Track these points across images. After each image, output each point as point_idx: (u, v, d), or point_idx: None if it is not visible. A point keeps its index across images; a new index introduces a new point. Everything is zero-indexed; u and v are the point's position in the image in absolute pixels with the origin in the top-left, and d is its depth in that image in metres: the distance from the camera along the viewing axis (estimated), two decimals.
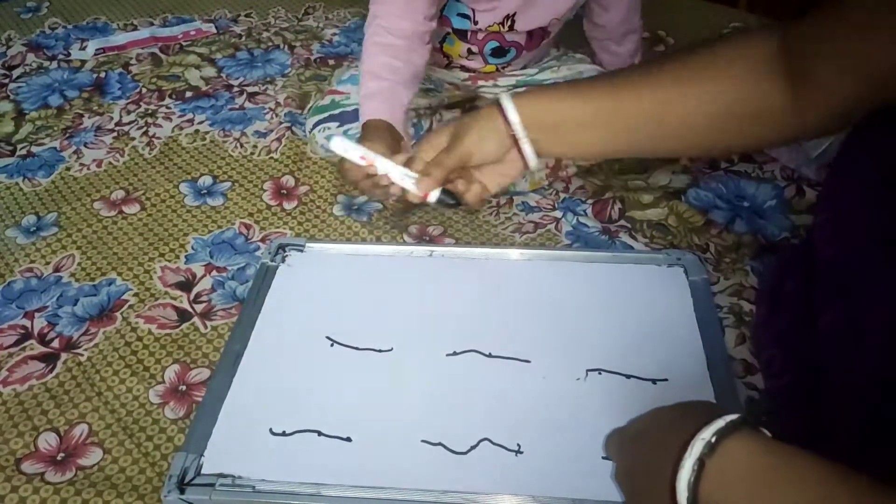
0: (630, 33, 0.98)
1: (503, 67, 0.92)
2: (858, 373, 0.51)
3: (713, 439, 0.37)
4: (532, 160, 0.63)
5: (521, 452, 0.61)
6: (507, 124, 0.61)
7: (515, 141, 0.61)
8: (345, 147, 0.69)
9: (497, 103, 0.61)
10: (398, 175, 0.68)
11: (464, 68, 0.91)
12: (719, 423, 0.38)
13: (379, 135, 0.76)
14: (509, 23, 0.85)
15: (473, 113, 0.65)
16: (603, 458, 0.58)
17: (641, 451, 0.45)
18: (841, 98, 0.49)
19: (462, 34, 0.89)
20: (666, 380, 0.66)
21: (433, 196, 0.67)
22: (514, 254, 0.80)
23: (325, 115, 0.96)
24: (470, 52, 0.87)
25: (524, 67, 0.96)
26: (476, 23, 0.85)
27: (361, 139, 0.77)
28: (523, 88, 0.67)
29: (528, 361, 0.68)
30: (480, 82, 0.96)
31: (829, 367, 0.55)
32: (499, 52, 0.89)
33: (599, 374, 0.66)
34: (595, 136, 0.60)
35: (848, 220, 0.56)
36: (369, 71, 0.81)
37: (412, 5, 0.80)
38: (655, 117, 0.57)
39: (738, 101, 0.54)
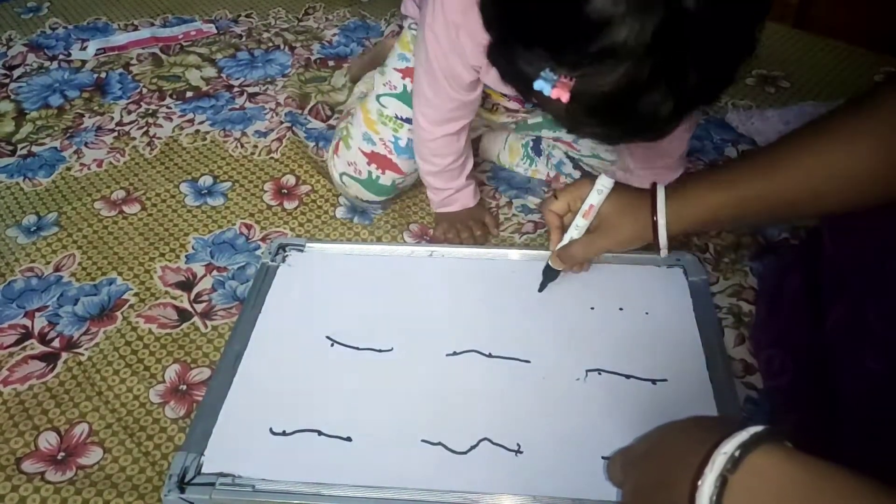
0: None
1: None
2: (863, 371, 0.51)
3: (736, 453, 0.35)
4: (664, 251, 0.65)
5: (521, 452, 0.61)
6: (654, 221, 0.63)
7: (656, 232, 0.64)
8: (602, 188, 0.66)
9: (651, 199, 0.63)
10: (574, 227, 0.68)
11: (507, 110, 0.88)
12: (743, 436, 0.36)
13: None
14: None
15: (623, 201, 0.65)
16: (603, 457, 0.58)
17: (653, 468, 0.43)
18: None
19: None
20: (665, 380, 0.66)
21: (559, 266, 0.72)
22: (514, 254, 0.80)
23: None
24: (508, 98, 0.84)
25: None
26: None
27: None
28: (673, 180, 0.67)
29: (528, 361, 0.68)
30: (527, 118, 0.90)
31: (834, 365, 0.55)
32: None
33: (599, 374, 0.67)
34: (734, 221, 0.66)
35: (852, 219, 0.56)
36: (429, 172, 0.85)
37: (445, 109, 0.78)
38: (811, 193, 0.57)
39: (882, 164, 0.52)
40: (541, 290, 0.74)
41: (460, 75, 0.73)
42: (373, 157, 0.87)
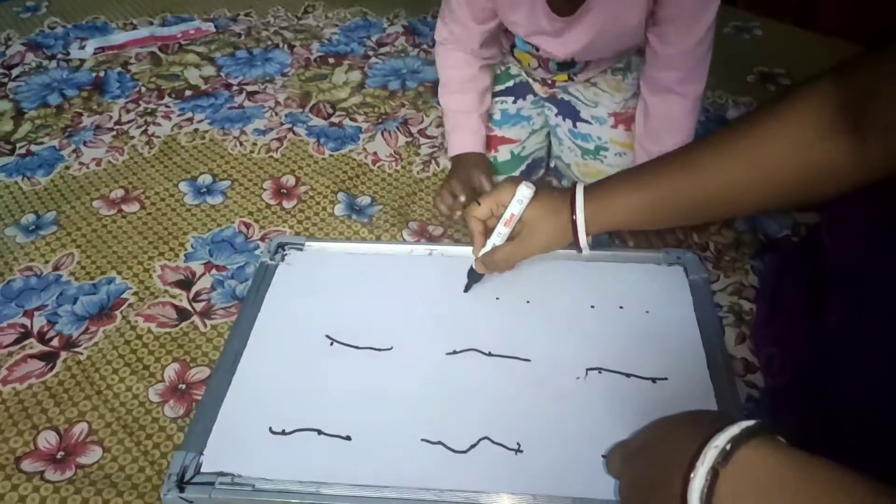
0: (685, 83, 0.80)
1: (574, 76, 0.88)
2: (862, 370, 0.51)
3: (727, 447, 0.36)
4: (586, 251, 0.68)
5: (521, 451, 0.60)
6: (573, 220, 0.65)
7: (576, 233, 0.66)
8: (522, 199, 0.67)
9: (571, 200, 0.65)
10: (496, 234, 0.69)
11: (542, 81, 0.90)
12: (734, 430, 0.36)
13: (480, 169, 0.84)
14: (570, 59, 0.82)
15: (544, 206, 0.67)
16: (603, 457, 0.58)
17: (648, 462, 0.43)
18: None
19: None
20: (666, 379, 0.66)
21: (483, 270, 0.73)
22: None
23: (502, 87, 0.92)
24: (539, 62, 0.86)
25: (603, 71, 0.89)
26: (538, 51, 0.83)
27: (455, 170, 0.87)
28: (591, 181, 0.69)
29: (527, 360, 0.68)
30: (557, 87, 0.91)
31: (834, 364, 0.55)
32: (565, 66, 0.85)
33: (599, 373, 0.66)
34: (656, 221, 0.66)
35: (851, 217, 0.56)
36: (447, 107, 0.89)
37: (467, 34, 0.83)
38: (721, 197, 0.58)
39: (799, 161, 0.53)
40: (466, 290, 0.75)
41: None
42: None
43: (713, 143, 0.59)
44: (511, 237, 0.70)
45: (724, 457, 0.35)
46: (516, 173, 0.92)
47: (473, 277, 0.74)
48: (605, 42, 0.78)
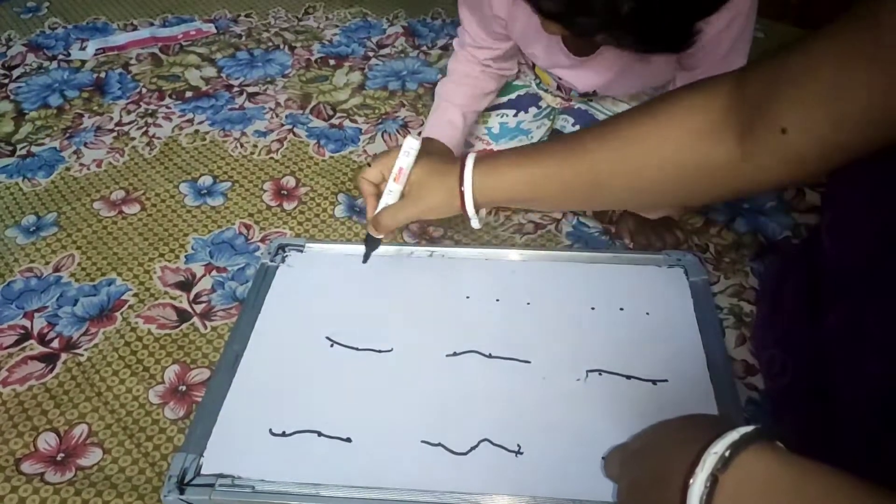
0: None
1: (591, 100, 0.88)
2: (863, 373, 0.51)
3: (727, 453, 0.36)
4: (475, 225, 0.67)
5: (521, 453, 0.60)
6: (461, 189, 0.63)
7: (463, 202, 0.64)
8: (409, 150, 0.67)
9: (461, 170, 0.64)
10: (387, 192, 0.68)
11: (560, 98, 0.89)
12: (733, 436, 0.36)
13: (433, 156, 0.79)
14: (592, 91, 0.82)
15: (433, 166, 0.66)
16: (603, 458, 0.58)
17: (646, 466, 0.43)
18: (809, 140, 0.45)
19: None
20: (666, 380, 0.66)
21: (377, 234, 0.72)
22: (514, 254, 0.80)
23: (504, 99, 0.91)
24: (559, 86, 0.85)
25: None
26: (560, 78, 0.82)
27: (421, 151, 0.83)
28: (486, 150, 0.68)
29: (528, 362, 0.68)
30: (574, 103, 0.91)
31: (834, 367, 0.55)
32: (586, 95, 0.85)
33: (599, 374, 0.66)
34: (539, 200, 0.64)
35: (852, 220, 0.55)
36: (437, 93, 0.86)
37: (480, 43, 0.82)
38: (600, 182, 0.58)
39: (681, 160, 0.53)
40: (364, 261, 0.75)
41: (487, 18, 0.77)
42: None
43: (601, 128, 0.59)
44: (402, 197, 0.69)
45: (724, 463, 0.35)
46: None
47: (371, 244, 0.73)
48: (627, 80, 0.78)
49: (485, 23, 0.79)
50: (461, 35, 0.84)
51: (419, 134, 0.87)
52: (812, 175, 0.48)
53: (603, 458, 0.57)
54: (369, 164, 0.69)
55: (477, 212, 0.65)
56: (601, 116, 0.87)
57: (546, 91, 0.90)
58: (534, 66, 0.86)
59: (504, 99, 0.90)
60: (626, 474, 0.46)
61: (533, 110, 0.90)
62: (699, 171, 0.52)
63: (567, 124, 0.91)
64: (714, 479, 0.35)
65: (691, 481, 0.36)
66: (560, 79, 0.82)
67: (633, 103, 0.86)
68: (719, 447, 0.36)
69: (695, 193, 0.57)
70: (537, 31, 0.68)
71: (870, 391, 0.50)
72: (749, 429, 0.37)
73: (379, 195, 0.69)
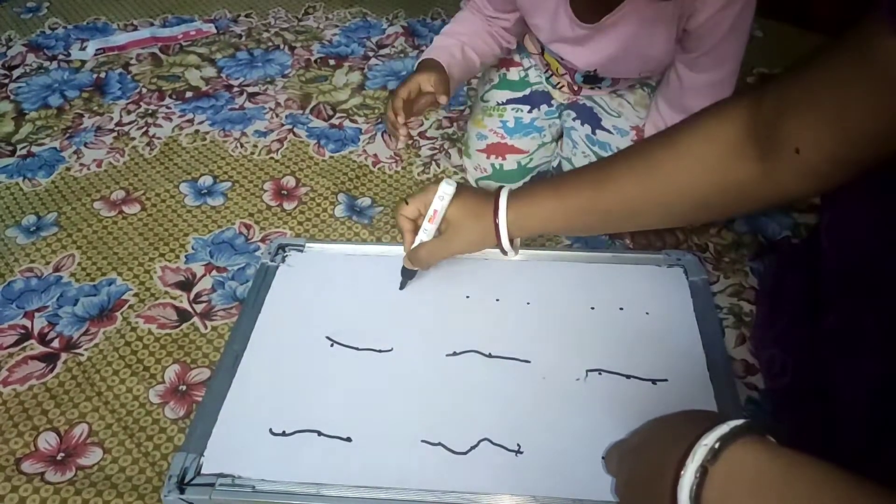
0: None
1: (598, 89, 0.87)
2: (862, 373, 0.51)
3: (716, 445, 0.36)
4: (511, 257, 0.69)
5: (521, 452, 0.61)
6: (496, 223, 0.66)
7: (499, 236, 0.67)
8: (444, 194, 0.68)
9: (495, 204, 0.66)
10: (423, 231, 0.71)
11: (567, 88, 0.89)
12: (723, 429, 0.37)
13: (429, 73, 0.79)
14: (594, 71, 0.82)
15: (469, 208, 0.68)
16: (603, 458, 0.58)
17: (641, 461, 0.44)
18: (821, 158, 0.48)
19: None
20: (666, 380, 0.66)
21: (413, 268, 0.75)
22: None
23: (518, 94, 0.91)
24: (566, 69, 0.85)
25: (632, 85, 0.88)
26: (562, 59, 0.83)
27: (415, 71, 0.82)
28: (519, 185, 0.71)
29: (528, 361, 0.68)
30: (581, 94, 0.90)
31: (834, 367, 0.55)
32: (590, 79, 0.85)
33: (599, 374, 0.66)
34: (574, 229, 0.70)
35: (851, 220, 0.56)
36: (445, 29, 0.87)
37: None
38: (633, 210, 0.61)
39: (706, 182, 0.55)
40: (402, 287, 0.77)
41: None
42: (490, 150, 0.91)
43: (628, 158, 0.62)
44: (438, 233, 0.71)
45: (713, 455, 0.36)
46: (520, 184, 0.90)
47: (407, 275, 0.76)
48: (628, 60, 0.78)
49: None
50: (466, 2, 0.86)
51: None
52: (832, 186, 0.51)
53: (603, 457, 0.57)
54: (406, 202, 0.71)
55: (511, 243, 0.67)
56: (603, 114, 0.88)
57: (555, 87, 0.91)
58: (542, 52, 0.87)
59: (519, 94, 0.91)
60: (624, 469, 0.47)
61: (544, 108, 0.91)
62: (725, 192, 0.55)
63: (569, 119, 0.91)
64: (704, 471, 0.36)
65: (682, 473, 0.37)
66: (562, 59, 0.83)
67: (630, 99, 0.87)
68: (709, 440, 0.37)
69: (722, 211, 0.60)
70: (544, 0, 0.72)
71: (869, 391, 0.50)
72: (739, 422, 0.37)
73: (415, 230, 0.72)
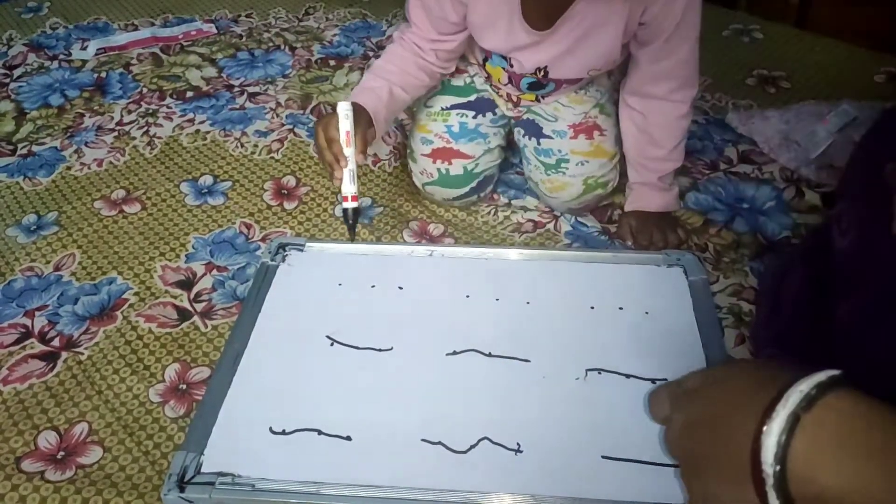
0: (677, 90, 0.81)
1: (542, 98, 0.88)
2: (875, 361, 0.50)
3: (812, 391, 0.33)
4: None
5: (521, 452, 0.61)
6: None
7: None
8: (346, 112, 0.74)
9: None
10: (347, 173, 0.76)
11: (509, 100, 0.89)
12: (820, 377, 0.34)
13: (357, 126, 0.78)
14: (542, 73, 0.82)
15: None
16: (602, 457, 0.58)
17: (711, 403, 0.40)
18: None
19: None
20: (665, 379, 0.66)
21: (350, 205, 0.78)
22: (514, 254, 0.80)
23: (464, 99, 0.91)
24: (510, 78, 0.85)
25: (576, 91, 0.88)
26: (511, 66, 0.82)
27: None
28: None
29: (528, 361, 0.68)
30: (522, 105, 0.91)
31: (845, 358, 0.55)
32: (535, 86, 0.85)
33: (599, 373, 0.66)
34: None
35: (862, 212, 0.55)
36: (374, 67, 0.86)
37: (431, 30, 0.82)
38: None
39: None
40: (352, 239, 0.80)
41: (444, 6, 0.78)
42: (435, 154, 0.90)
43: None
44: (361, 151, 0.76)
45: (808, 401, 0.34)
46: (466, 189, 0.91)
47: (349, 217, 0.78)
48: (579, 57, 0.79)
49: (440, 7, 0.78)
50: (401, 29, 0.85)
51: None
52: None
53: (649, 393, 0.52)
54: (319, 140, 0.75)
55: None
56: (543, 122, 0.89)
57: (499, 95, 0.91)
58: (484, 62, 0.87)
59: (464, 99, 0.91)
60: (682, 411, 0.43)
61: (490, 115, 0.91)
62: None
63: (520, 136, 0.93)
64: (795, 419, 0.33)
65: (770, 417, 0.34)
66: (512, 66, 0.83)
67: (564, 100, 0.88)
68: (805, 386, 0.34)
69: None
70: (497, 15, 0.75)
71: (882, 380, 0.49)
72: (836, 372, 0.34)
73: (337, 161, 0.75)
